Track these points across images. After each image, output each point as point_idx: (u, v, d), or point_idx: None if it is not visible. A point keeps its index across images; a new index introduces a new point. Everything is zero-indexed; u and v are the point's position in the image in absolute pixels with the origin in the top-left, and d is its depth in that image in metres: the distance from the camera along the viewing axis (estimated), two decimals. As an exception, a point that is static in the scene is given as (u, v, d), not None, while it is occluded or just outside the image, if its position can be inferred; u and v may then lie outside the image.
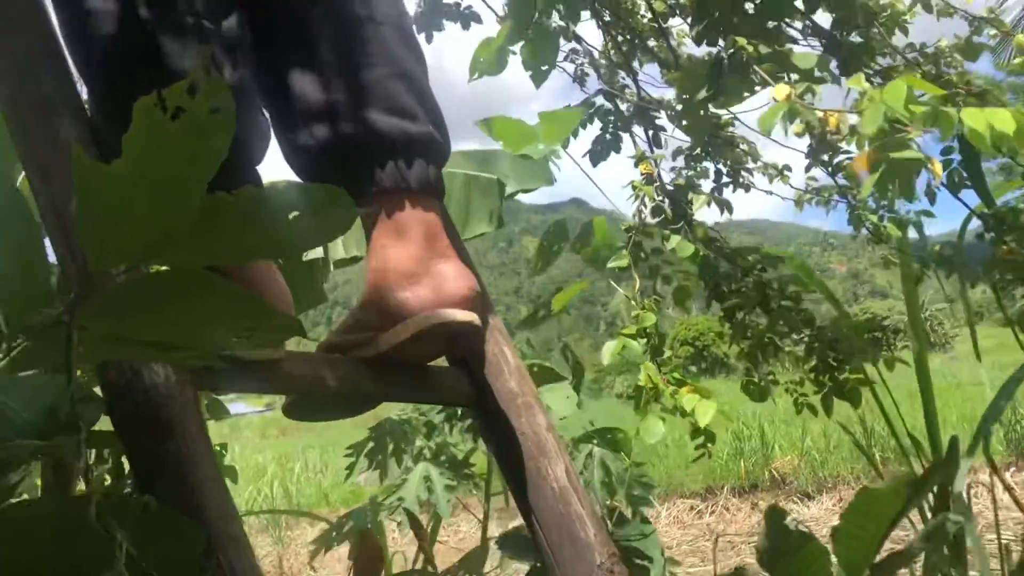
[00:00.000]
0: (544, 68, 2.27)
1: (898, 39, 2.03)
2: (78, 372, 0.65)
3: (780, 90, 1.58)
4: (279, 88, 1.01)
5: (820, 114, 1.57)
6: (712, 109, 2.21)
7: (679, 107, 2.07)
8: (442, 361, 1.06)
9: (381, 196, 0.98)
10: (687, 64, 1.90)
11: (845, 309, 2.82)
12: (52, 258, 0.74)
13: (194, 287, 0.61)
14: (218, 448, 2.38)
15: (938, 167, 1.56)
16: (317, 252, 2.07)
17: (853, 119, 1.60)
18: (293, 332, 0.67)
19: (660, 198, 2.27)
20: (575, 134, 2.44)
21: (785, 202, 2.81)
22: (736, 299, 2.23)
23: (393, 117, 0.98)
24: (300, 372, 0.91)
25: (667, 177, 2.39)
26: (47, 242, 0.72)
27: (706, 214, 2.74)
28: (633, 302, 2.15)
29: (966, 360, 15.38)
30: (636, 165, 2.30)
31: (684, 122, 2.09)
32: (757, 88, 1.76)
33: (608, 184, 2.60)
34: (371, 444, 2.97)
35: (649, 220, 2.28)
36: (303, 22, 1.00)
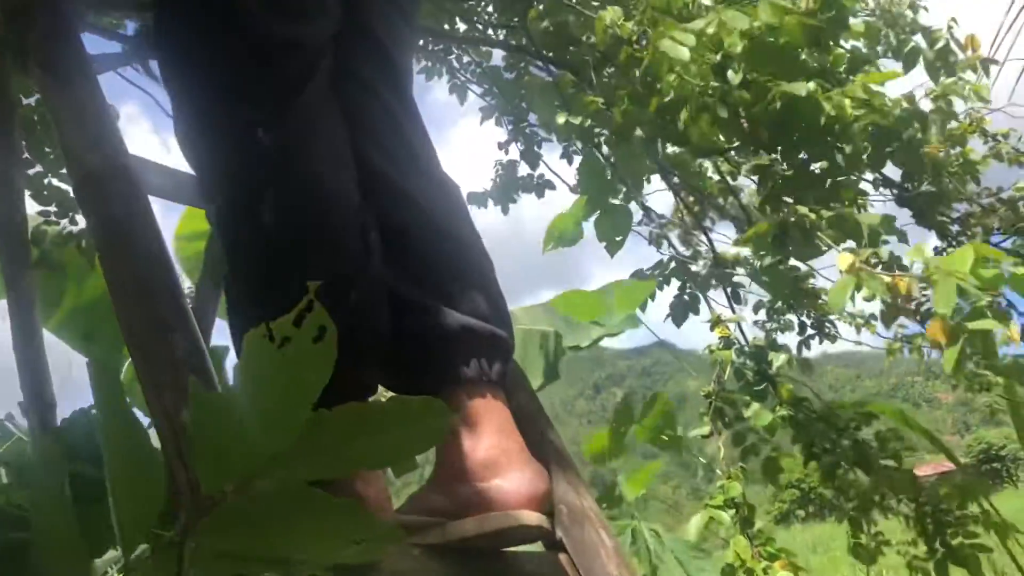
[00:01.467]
0: (618, 239, 2.33)
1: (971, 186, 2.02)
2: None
3: (844, 259, 1.58)
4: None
5: (888, 279, 1.56)
6: (791, 262, 2.22)
7: (756, 263, 2.09)
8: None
9: (462, 386, 1.03)
10: (755, 229, 1.94)
11: (956, 456, 2.68)
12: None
13: (299, 502, 0.64)
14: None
15: (1015, 331, 1.52)
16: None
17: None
18: (395, 541, 0.69)
19: (741, 360, 2.25)
20: (652, 297, 2.48)
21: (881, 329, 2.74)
22: (832, 458, 2.14)
23: (479, 319, 1.07)
24: (403, 568, 0.91)
25: (749, 332, 2.38)
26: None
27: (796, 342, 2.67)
28: (719, 471, 2.10)
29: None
30: (712, 329, 2.30)
31: (764, 279, 2.10)
32: (824, 250, 1.77)
33: (692, 326, 2.59)
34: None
35: (731, 383, 2.26)
36: (409, 238, 1.11)
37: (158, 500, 0.71)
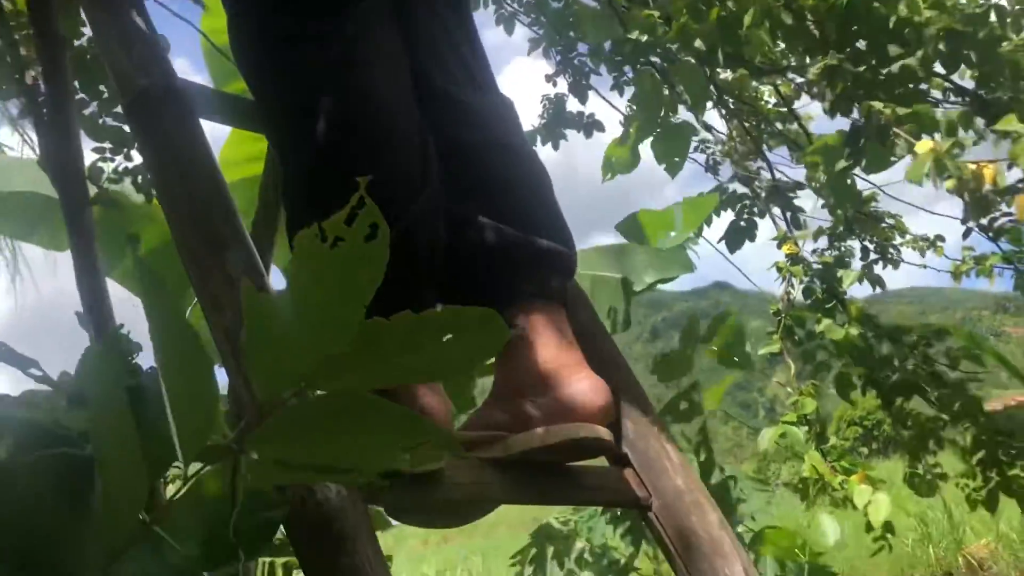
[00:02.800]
0: (676, 160, 2.28)
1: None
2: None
3: (923, 144, 1.51)
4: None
5: (973, 167, 1.49)
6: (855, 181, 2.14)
7: (822, 178, 2.02)
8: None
9: (521, 301, 1.03)
10: (825, 139, 1.86)
11: None
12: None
13: (356, 409, 0.64)
14: (388, 557, 2.40)
15: None
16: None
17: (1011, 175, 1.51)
18: (453, 449, 0.68)
19: (808, 278, 2.19)
20: (708, 222, 2.42)
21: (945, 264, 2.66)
22: (897, 377, 2.08)
23: (536, 235, 1.06)
24: (464, 479, 0.92)
25: (811, 258, 2.31)
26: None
27: (860, 289, 2.62)
28: (790, 389, 2.06)
29: None
30: (779, 246, 2.24)
31: (830, 197, 2.02)
32: (899, 154, 1.69)
33: (751, 266, 2.54)
34: (533, 550, 2.94)
35: (799, 301, 2.20)
36: (468, 151, 1.10)
37: (215, 412, 0.71)
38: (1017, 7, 1.81)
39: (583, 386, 0.98)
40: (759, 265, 2.47)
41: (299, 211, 1.02)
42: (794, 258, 2.20)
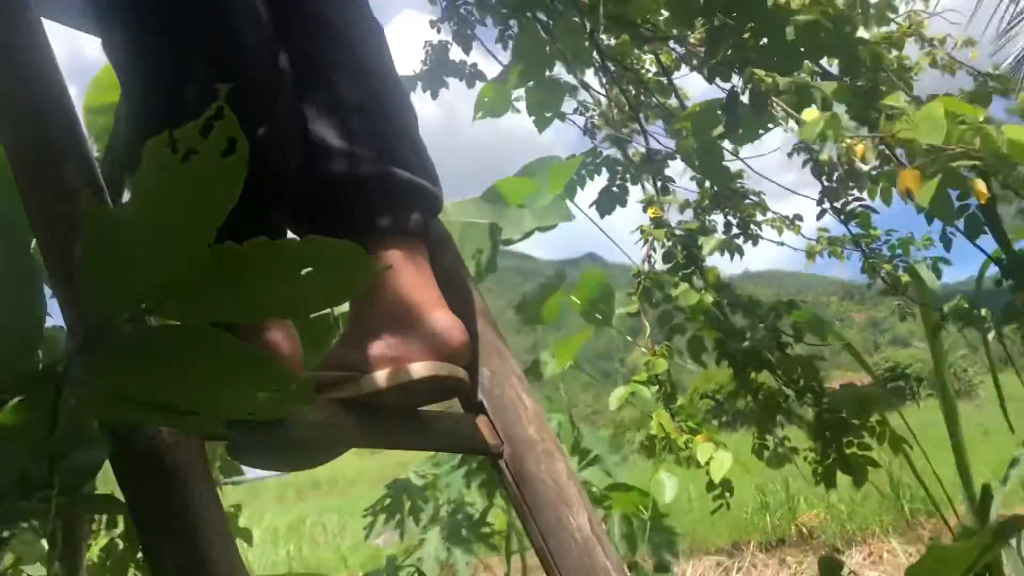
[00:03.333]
0: (548, 115, 2.28)
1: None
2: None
3: (811, 112, 1.56)
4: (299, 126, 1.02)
5: (849, 141, 1.55)
6: (724, 157, 2.20)
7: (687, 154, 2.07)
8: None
9: (378, 237, 0.98)
10: (701, 105, 1.90)
11: (867, 363, 2.76)
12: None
13: (202, 344, 0.59)
14: (231, 509, 2.33)
15: (981, 185, 1.53)
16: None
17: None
18: (304, 400, 0.65)
19: (670, 243, 2.25)
20: (582, 184, 2.44)
21: (797, 254, 2.79)
22: (745, 352, 2.17)
23: (397, 167, 1.01)
24: (314, 419, 0.87)
25: (675, 225, 2.36)
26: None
27: (720, 265, 2.71)
28: (643, 349, 2.12)
29: (992, 407, 15.13)
30: (645, 209, 2.29)
31: (698, 163, 2.07)
32: (771, 126, 1.75)
33: (623, 240, 2.58)
34: (388, 501, 2.92)
35: (660, 266, 2.26)
36: (325, 71, 1.03)
37: (37, 336, 0.66)
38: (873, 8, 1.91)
39: (440, 324, 0.95)
40: (630, 240, 2.52)
41: (136, 116, 0.93)
42: (658, 222, 2.25)
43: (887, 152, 1.76)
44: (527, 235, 2.19)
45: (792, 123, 1.79)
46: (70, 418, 0.63)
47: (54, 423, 0.59)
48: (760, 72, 1.70)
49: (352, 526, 10.46)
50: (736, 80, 1.79)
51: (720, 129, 1.84)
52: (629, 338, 2.23)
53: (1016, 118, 2.33)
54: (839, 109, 1.68)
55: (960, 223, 1.91)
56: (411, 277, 0.98)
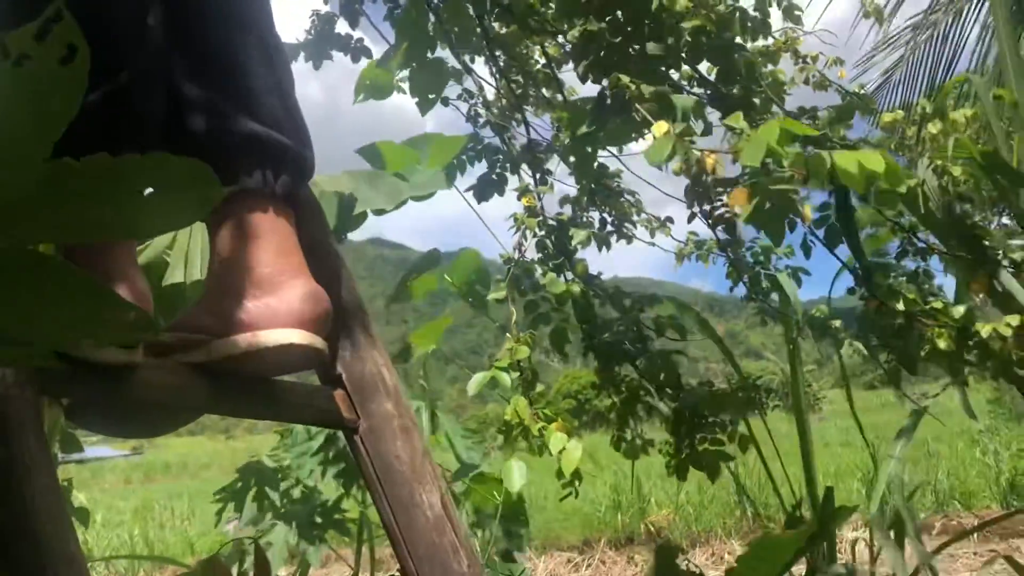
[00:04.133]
0: (431, 97, 2.26)
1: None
2: None
3: (660, 127, 1.61)
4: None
5: (699, 153, 1.60)
6: (600, 156, 2.23)
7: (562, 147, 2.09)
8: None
9: (242, 197, 0.95)
10: (574, 102, 1.92)
11: (731, 352, 2.85)
12: None
13: (31, 268, 0.54)
14: (64, 483, 2.19)
15: (807, 211, 1.61)
16: (177, 276, 1.93)
17: (730, 166, 1.64)
18: (146, 329, 0.61)
19: (542, 232, 2.27)
20: (462, 170, 2.43)
21: (666, 261, 2.86)
22: (610, 345, 2.21)
23: (266, 126, 0.98)
24: (162, 381, 0.83)
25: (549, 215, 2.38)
26: None
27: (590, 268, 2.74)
28: (508, 335, 2.13)
29: (833, 420, 16.04)
30: (519, 198, 2.30)
31: (571, 159, 2.10)
32: (641, 133, 1.79)
33: (500, 234, 2.58)
34: (239, 485, 2.82)
35: (530, 255, 2.28)
36: (197, 22, 0.99)
37: None
38: (757, 15, 1.98)
39: (301, 292, 0.92)
40: (507, 233, 2.51)
41: None
42: (532, 210, 2.26)
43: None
44: (401, 203, 2.13)
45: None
46: None
47: None
48: (625, 79, 1.73)
49: (202, 512, 10.11)
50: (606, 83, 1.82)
51: (585, 128, 1.86)
52: (498, 324, 2.23)
53: (878, 131, 2.46)
54: (696, 124, 1.74)
55: (820, 232, 2.00)
56: (275, 241, 0.94)
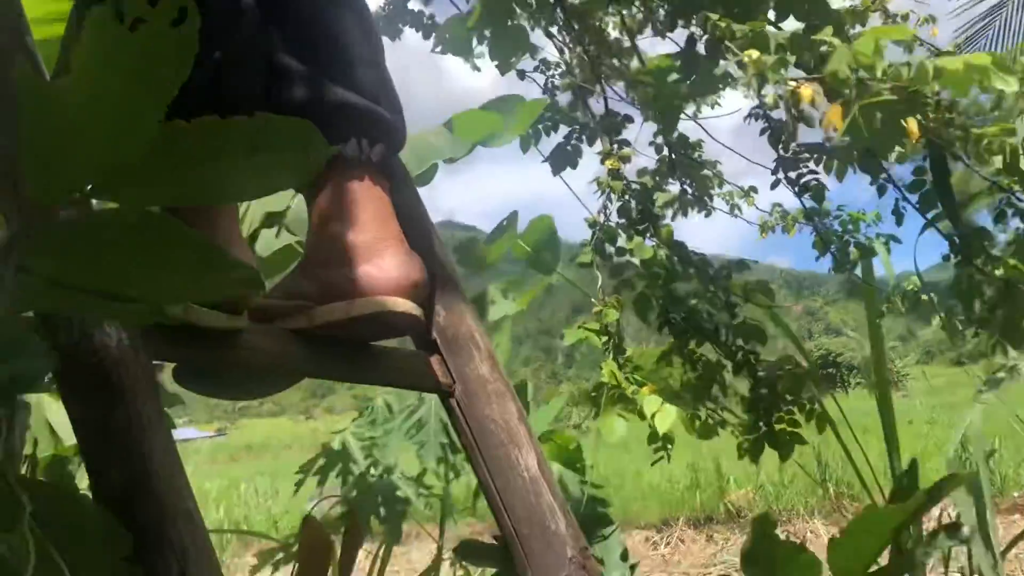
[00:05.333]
0: (512, 61, 2.25)
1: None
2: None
3: (751, 53, 1.55)
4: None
5: (793, 84, 1.54)
6: (681, 126, 2.19)
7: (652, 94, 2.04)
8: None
9: (339, 166, 0.96)
10: (661, 56, 1.89)
11: (801, 344, 2.78)
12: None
13: (146, 228, 0.56)
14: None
15: (913, 125, 1.53)
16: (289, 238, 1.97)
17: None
18: (256, 287, 0.62)
19: (626, 197, 2.24)
20: (537, 140, 2.40)
21: (744, 237, 2.81)
22: (689, 317, 2.16)
23: (362, 96, 0.99)
24: (264, 346, 0.86)
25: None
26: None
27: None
28: (594, 300, 2.12)
29: (918, 398, 15.59)
30: (603, 161, 2.27)
31: (656, 114, 2.06)
32: (727, 82, 1.74)
33: (578, 207, 2.54)
34: (322, 461, 2.87)
35: (614, 220, 2.25)
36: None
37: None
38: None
39: (398, 260, 0.93)
40: (577, 212, 2.46)
41: None
42: (615, 173, 2.24)
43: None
44: (470, 149, 2.10)
45: (749, 90, 1.77)
46: (6, 323, 0.59)
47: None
48: (714, 16, 1.68)
49: (284, 491, 10.38)
50: (694, 28, 1.77)
51: (674, 75, 1.83)
52: (583, 291, 2.22)
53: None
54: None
55: (914, 198, 1.94)
56: (372, 209, 0.96)
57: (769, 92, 1.57)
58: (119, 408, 0.66)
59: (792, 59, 1.61)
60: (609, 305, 2.08)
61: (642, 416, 1.96)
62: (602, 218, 2.22)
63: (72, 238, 0.56)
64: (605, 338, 2.06)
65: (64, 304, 0.60)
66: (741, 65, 1.59)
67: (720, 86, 1.85)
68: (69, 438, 2.03)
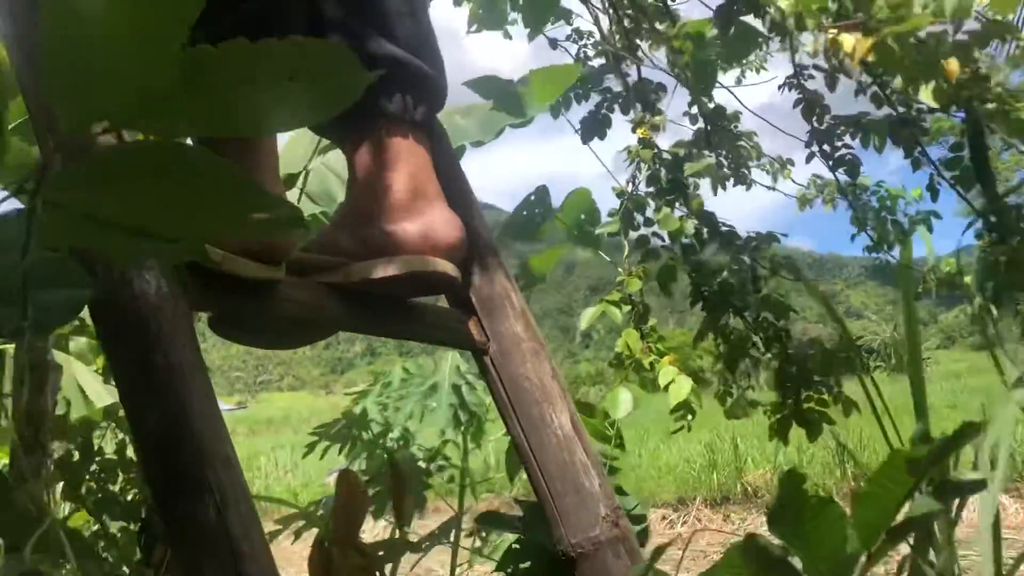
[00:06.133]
0: (540, 25, 2.22)
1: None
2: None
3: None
4: None
5: (834, 32, 1.49)
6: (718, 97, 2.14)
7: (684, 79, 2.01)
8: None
9: (382, 122, 0.94)
10: (698, 21, 1.85)
11: (841, 317, 2.73)
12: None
13: (179, 160, 0.54)
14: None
15: (953, 64, 1.48)
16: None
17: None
18: (296, 224, 0.60)
19: (656, 166, 2.20)
20: (567, 106, 2.36)
21: (773, 215, 2.75)
22: (721, 290, 2.12)
23: (406, 50, 0.96)
24: (301, 298, 0.85)
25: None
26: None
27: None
28: (620, 269, 2.09)
29: (938, 382, 15.46)
30: (634, 129, 2.23)
31: (691, 78, 2.02)
32: (767, 39, 1.68)
33: (606, 178, 2.50)
34: (341, 424, 2.86)
35: (644, 189, 2.21)
36: None
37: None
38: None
39: (437, 218, 0.92)
40: (604, 184, 2.40)
41: None
42: (646, 142, 2.20)
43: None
44: (499, 132, 2.06)
45: (786, 44, 1.73)
46: (45, 255, 0.58)
47: (25, 247, 0.53)
48: None
49: (304, 463, 10.50)
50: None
51: (711, 31, 1.78)
52: (611, 261, 2.19)
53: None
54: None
55: (949, 176, 1.88)
56: (414, 167, 0.94)
57: (808, 42, 1.52)
58: (157, 353, 0.66)
59: (834, 6, 1.55)
60: (634, 275, 2.05)
61: (655, 388, 1.94)
62: (631, 187, 2.18)
63: (102, 171, 0.54)
64: (628, 307, 2.03)
65: (96, 240, 0.59)
66: (778, 18, 1.53)
67: (759, 40, 1.80)
68: (99, 402, 2.04)
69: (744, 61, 2.51)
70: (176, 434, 0.65)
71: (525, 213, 2.02)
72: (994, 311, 2.12)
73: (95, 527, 2.28)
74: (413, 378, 3.25)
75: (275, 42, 0.52)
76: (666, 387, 1.95)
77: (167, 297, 0.68)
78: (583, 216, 2.08)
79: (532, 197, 2.04)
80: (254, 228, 0.57)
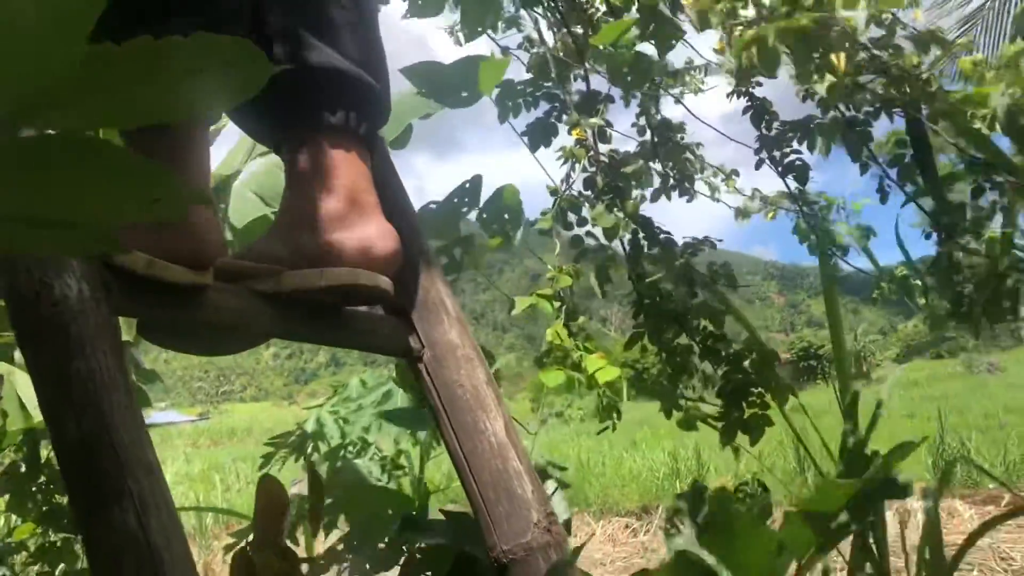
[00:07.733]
0: (480, 29, 2.21)
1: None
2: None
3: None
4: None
5: (741, 28, 1.50)
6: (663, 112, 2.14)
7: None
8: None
9: (324, 133, 0.93)
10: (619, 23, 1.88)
11: (754, 329, 2.73)
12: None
13: (79, 151, 0.53)
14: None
15: (841, 59, 1.49)
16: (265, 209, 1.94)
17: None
18: (202, 201, 0.59)
19: (592, 169, 2.20)
20: (516, 112, 2.35)
21: (726, 227, 2.78)
22: (660, 301, 2.12)
23: (351, 62, 0.96)
24: (230, 304, 0.83)
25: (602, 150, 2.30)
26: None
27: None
28: (551, 267, 2.10)
29: (895, 391, 15.69)
30: (570, 131, 2.23)
31: (620, 71, 2.03)
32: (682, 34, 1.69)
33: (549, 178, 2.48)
34: (296, 435, 2.85)
35: (579, 189, 2.22)
36: None
37: None
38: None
39: (374, 231, 0.91)
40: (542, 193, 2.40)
41: None
42: (582, 143, 2.20)
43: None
44: (434, 111, 2.06)
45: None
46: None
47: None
48: None
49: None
50: None
51: (635, 31, 1.79)
52: (540, 258, 2.20)
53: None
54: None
55: (893, 173, 1.91)
56: (353, 178, 0.93)
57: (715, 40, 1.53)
58: (78, 359, 0.65)
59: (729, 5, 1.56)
60: (565, 272, 2.06)
61: (587, 378, 1.96)
62: (564, 187, 2.18)
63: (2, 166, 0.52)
64: (559, 303, 2.05)
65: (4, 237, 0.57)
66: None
67: (679, 35, 1.80)
68: (40, 414, 2.00)
69: (694, 71, 2.53)
70: (95, 441, 0.64)
71: (456, 201, 2.02)
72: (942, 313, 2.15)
73: (41, 540, 2.24)
74: (369, 390, 3.24)
75: (179, 39, 0.52)
76: (592, 374, 1.96)
77: (89, 302, 0.67)
78: (506, 215, 2.08)
79: (466, 185, 2.04)
80: (156, 210, 0.56)
